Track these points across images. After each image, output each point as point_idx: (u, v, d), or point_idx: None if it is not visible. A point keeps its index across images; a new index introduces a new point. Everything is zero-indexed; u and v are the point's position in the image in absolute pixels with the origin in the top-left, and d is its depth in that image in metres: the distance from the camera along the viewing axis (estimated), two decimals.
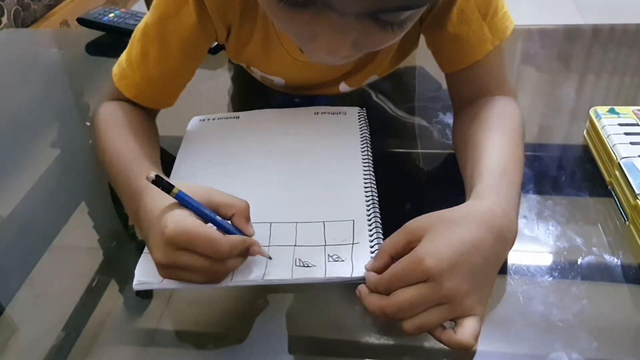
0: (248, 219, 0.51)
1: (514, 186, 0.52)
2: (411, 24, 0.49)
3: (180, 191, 0.48)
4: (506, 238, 0.47)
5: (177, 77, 0.66)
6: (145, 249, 0.53)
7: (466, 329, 0.43)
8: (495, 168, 0.53)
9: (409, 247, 0.46)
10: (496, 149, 0.55)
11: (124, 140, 0.60)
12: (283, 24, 0.51)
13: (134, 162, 0.56)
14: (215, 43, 0.66)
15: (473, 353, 0.46)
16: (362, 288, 0.47)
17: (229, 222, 0.50)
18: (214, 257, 0.47)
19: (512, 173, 0.53)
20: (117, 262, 0.58)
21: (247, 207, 0.51)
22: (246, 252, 0.49)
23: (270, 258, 0.51)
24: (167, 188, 0.48)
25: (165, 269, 0.48)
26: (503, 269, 0.53)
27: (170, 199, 0.49)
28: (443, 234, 0.45)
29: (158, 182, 0.48)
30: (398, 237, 0.47)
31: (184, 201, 0.48)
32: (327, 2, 0.44)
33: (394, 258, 0.47)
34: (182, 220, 0.47)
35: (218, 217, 0.49)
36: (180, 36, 0.62)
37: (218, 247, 0.46)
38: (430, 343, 0.44)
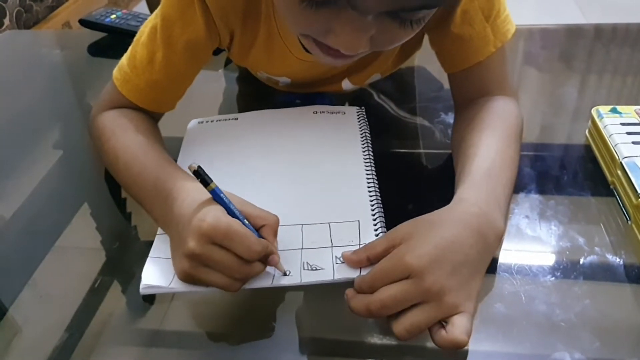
0: (276, 233, 0.51)
1: (499, 185, 0.53)
2: (428, 19, 0.50)
3: (217, 187, 0.49)
4: (486, 237, 0.48)
5: (181, 81, 0.66)
6: (152, 253, 0.53)
7: (456, 326, 0.43)
8: (479, 169, 0.54)
9: (388, 252, 0.47)
10: (483, 150, 0.56)
11: (138, 145, 0.60)
12: (301, 24, 0.51)
13: (160, 164, 0.57)
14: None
15: (473, 353, 0.46)
16: (349, 292, 0.48)
17: (255, 230, 0.50)
18: (244, 256, 0.47)
19: (497, 173, 0.54)
20: (120, 263, 0.58)
21: (278, 222, 0.52)
22: (266, 258, 0.50)
23: (285, 274, 0.51)
24: (206, 181, 0.49)
25: (192, 261, 0.48)
26: (503, 268, 0.53)
27: (207, 195, 0.49)
28: (423, 234, 0.47)
29: (199, 174, 0.49)
30: (378, 242, 0.49)
31: (218, 197, 0.49)
32: (349, 1, 0.44)
33: (371, 261, 0.48)
34: (220, 216, 0.47)
35: (246, 221, 0.49)
36: (187, 40, 0.62)
37: (252, 247, 0.47)
38: (432, 343, 0.44)
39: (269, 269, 0.51)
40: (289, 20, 0.52)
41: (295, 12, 0.48)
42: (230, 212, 0.49)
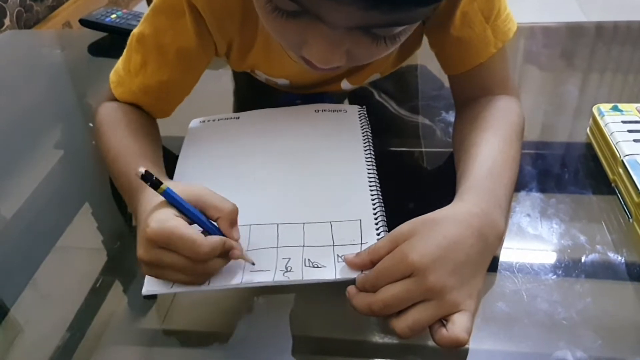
0: (233, 222, 0.51)
1: (501, 185, 0.53)
2: (405, 37, 0.50)
3: (168, 188, 0.48)
4: (487, 237, 0.48)
5: (175, 88, 0.66)
6: None
7: (457, 325, 0.43)
8: (480, 169, 0.53)
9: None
10: (485, 150, 0.56)
11: (125, 141, 0.60)
12: (276, 33, 0.51)
13: (134, 162, 0.56)
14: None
15: (475, 351, 0.46)
16: (350, 289, 0.48)
17: (215, 223, 0.50)
18: (192, 258, 0.47)
19: (499, 173, 0.53)
20: (121, 263, 0.58)
21: (235, 211, 0.51)
22: (226, 254, 0.49)
23: (253, 264, 0.50)
24: (155, 184, 0.48)
25: (148, 266, 0.48)
26: (504, 267, 0.53)
27: (160, 198, 0.49)
28: (425, 233, 0.46)
29: (147, 177, 0.48)
30: (382, 244, 0.48)
31: (170, 198, 0.48)
32: (318, 15, 0.44)
33: (375, 264, 0.48)
34: (164, 220, 0.47)
35: (203, 217, 0.49)
36: (178, 48, 0.62)
37: (197, 249, 0.46)
38: (433, 342, 0.44)
39: (270, 267, 0.51)
40: (267, 28, 0.52)
41: (270, 22, 0.48)
42: (185, 211, 0.48)
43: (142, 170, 0.48)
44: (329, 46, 0.47)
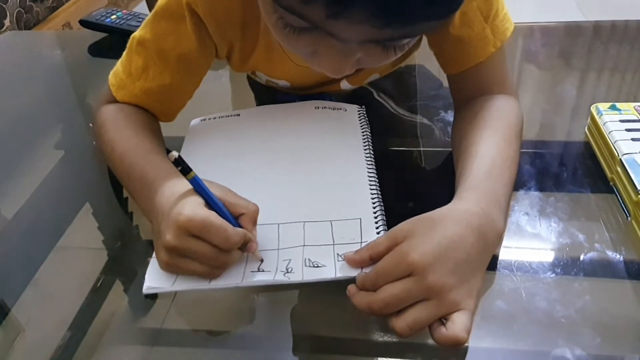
0: (255, 222, 0.52)
1: (500, 185, 0.53)
2: (413, 43, 0.50)
3: (196, 176, 0.49)
4: (486, 236, 0.48)
5: (177, 91, 0.66)
6: (155, 254, 0.53)
7: (456, 324, 0.43)
8: (479, 168, 0.54)
9: (390, 250, 0.47)
10: (484, 149, 0.56)
11: (133, 139, 0.61)
12: (288, 46, 0.52)
13: (150, 156, 0.58)
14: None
15: (474, 349, 0.46)
16: (351, 287, 0.48)
17: (232, 218, 0.51)
18: (222, 247, 0.48)
19: (498, 172, 0.54)
20: (121, 262, 0.58)
21: (257, 211, 0.52)
22: (244, 246, 0.50)
23: (262, 260, 0.51)
24: (186, 170, 0.49)
25: (170, 253, 0.49)
26: (503, 265, 0.53)
27: (186, 187, 0.50)
28: (425, 232, 0.47)
29: (179, 162, 0.49)
30: (381, 240, 0.49)
31: (197, 186, 0.49)
32: (329, 32, 0.45)
33: (374, 260, 0.48)
34: (198, 208, 0.48)
35: (225, 209, 0.50)
36: (179, 53, 0.62)
37: (229, 238, 0.48)
38: (432, 340, 0.45)
39: (270, 267, 0.51)
40: (277, 39, 0.53)
41: (281, 36, 0.49)
42: (210, 201, 0.49)
43: (176, 154, 0.49)
44: (341, 57, 0.48)
